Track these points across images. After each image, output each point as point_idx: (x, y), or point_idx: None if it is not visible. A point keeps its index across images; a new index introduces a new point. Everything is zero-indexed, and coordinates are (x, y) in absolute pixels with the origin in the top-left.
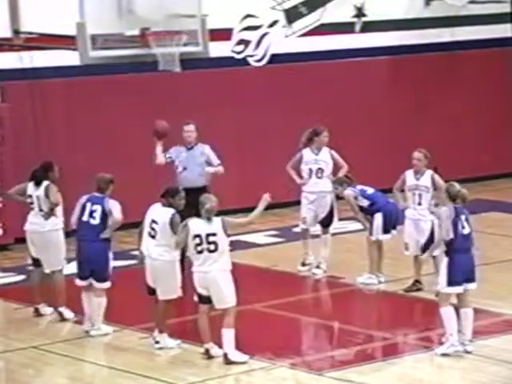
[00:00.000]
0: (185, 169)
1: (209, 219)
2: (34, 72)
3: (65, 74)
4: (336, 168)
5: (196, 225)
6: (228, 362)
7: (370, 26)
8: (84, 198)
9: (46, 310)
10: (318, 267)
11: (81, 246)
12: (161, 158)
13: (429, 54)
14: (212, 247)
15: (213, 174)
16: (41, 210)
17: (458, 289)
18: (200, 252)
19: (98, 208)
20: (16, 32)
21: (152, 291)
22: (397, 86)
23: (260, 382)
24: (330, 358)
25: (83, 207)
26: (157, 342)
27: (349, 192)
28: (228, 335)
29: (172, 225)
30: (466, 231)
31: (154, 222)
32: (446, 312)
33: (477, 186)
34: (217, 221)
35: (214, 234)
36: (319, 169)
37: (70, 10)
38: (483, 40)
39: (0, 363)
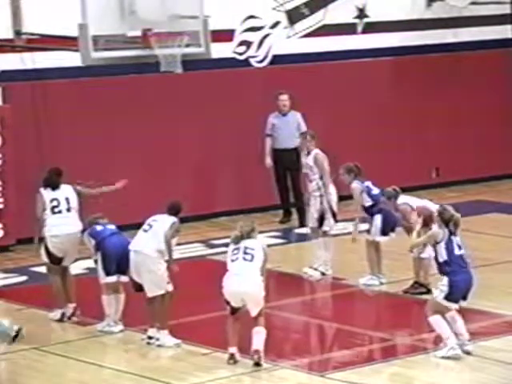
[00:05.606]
0: (280, 132)
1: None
2: (35, 73)
3: (67, 75)
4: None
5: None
6: (259, 362)
7: (371, 27)
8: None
9: (70, 310)
10: (313, 269)
11: (108, 240)
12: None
13: (430, 54)
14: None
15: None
16: (68, 210)
17: (454, 305)
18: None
19: None
20: (18, 33)
21: (139, 287)
22: (399, 86)
23: (262, 383)
24: (332, 359)
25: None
26: (156, 339)
27: (356, 185)
28: (261, 334)
29: (172, 227)
30: (460, 252)
31: (154, 220)
32: (435, 319)
33: (478, 187)
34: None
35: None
36: (305, 172)
37: (71, 10)
38: (485, 41)
39: (2, 364)
